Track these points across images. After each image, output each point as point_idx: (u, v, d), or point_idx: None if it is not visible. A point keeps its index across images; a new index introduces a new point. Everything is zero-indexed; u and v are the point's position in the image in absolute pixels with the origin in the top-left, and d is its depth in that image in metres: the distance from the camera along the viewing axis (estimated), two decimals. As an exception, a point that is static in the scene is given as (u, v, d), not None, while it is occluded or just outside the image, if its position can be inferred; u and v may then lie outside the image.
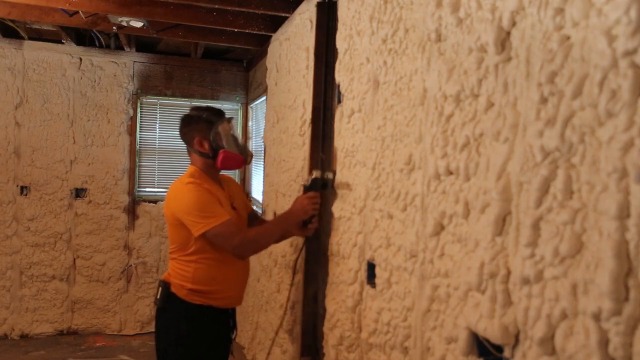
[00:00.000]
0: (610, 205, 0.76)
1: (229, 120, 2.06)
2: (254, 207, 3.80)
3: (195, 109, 2.07)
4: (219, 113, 2.04)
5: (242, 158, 2.04)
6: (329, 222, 2.05)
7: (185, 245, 1.93)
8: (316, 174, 2.06)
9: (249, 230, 2.05)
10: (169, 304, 1.96)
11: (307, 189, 2.07)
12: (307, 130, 2.34)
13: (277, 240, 2.17)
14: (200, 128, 1.99)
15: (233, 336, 2.11)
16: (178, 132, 2.08)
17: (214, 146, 1.99)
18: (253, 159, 4.15)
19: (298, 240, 2.44)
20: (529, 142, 0.95)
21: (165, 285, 1.97)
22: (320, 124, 2.16)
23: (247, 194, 4.27)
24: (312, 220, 2.06)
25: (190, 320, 1.94)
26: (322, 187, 2.04)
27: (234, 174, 4.17)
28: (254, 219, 2.26)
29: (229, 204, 2.02)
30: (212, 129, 1.98)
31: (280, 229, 2.04)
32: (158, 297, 1.99)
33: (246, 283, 2.12)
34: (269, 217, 3.12)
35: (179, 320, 1.94)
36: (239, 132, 2.15)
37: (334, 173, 2.02)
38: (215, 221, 1.84)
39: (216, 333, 2.00)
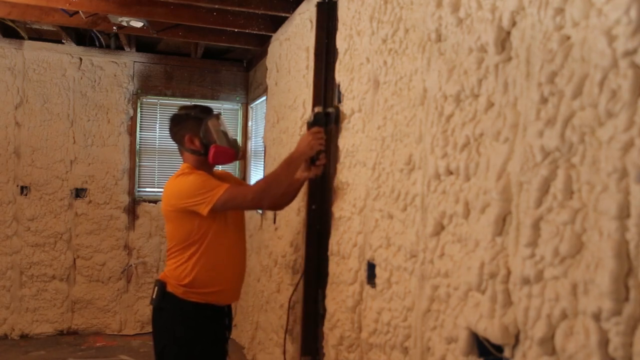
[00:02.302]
0: (610, 205, 0.76)
1: (217, 116, 2.07)
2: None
3: (183, 108, 2.09)
4: (207, 110, 2.06)
5: (234, 152, 2.05)
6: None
7: (186, 238, 1.93)
8: (318, 109, 2.04)
9: (258, 182, 2.01)
10: (165, 303, 1.96)
11: (310, 125, 2.03)
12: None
13: (290, 184, 2.04)
14: (190, 126, 2.01)
15: (228, 335, 2.11)
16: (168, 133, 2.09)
17: (205, 142, 2.00)
18: (253, 159, 4.16)
19: (298, 240, 2.44)
20: (529, 142, 0.95)
21: (161, 284, 1.98)
22: (320, 123, 2.15)
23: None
24: (319, 157, 2.01)
25: (187, 320, 1.94)
26: (325, 123, 2.00)
27: (233, 173, 4.17)
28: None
29: None
30: (201, 126, 2.00)
31: (289, 168, 1.96)
32: (154, 297, 1.99)
33: (243, 277, 2.12)
34: (269, 217, 3.12)
35: (176, 319, 1.95)
36: (228, 127, 2.13)
37: (337, 108, 1.99)
38: (218, 191, 1.85)
39: (213, 332, 2.00)
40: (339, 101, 2.01)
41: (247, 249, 2.21)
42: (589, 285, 0.80)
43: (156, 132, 4.26)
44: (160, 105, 4.28)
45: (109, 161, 4.08)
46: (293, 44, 2.71)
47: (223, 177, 2.15)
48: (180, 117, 2.05)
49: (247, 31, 3.14)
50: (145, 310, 4.18)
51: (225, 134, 2.06)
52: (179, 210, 1.91)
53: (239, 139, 4.29)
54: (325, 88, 2.14)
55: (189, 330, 1.93)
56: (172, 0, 2.71)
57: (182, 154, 2.08)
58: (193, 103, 2.14)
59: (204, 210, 1.85)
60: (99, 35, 3.95)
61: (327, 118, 2.02)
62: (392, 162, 1.54)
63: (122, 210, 4.13)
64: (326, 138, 2.01)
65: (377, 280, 1.61)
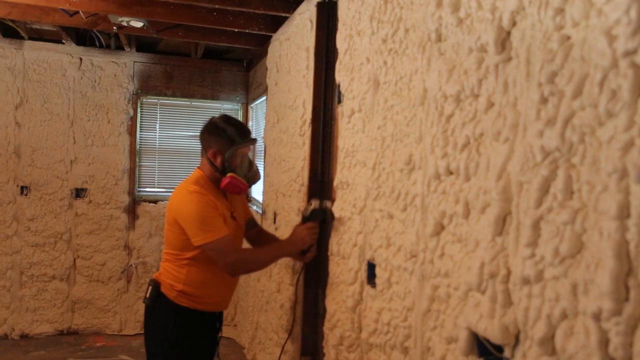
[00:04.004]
0: (611, 205, 0.76)
1: (252, 142, 2.03)
2: (254, 210, 3.79)
3: (224, 120, 1.99)
4: (244, 134, 1.99)
5: (246, 187, 2.01)
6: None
7: (180, 247, 1.93)
8: (315, 204, 2.07)
9: (245, 251, 2.09)
10: (157, 303, 1.98)
11: (306, 219, 2.07)
12: (307, 130, 2.34)
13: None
14: (220, 142, 1.95)
15: (219, 337, 2.12)
16: (198, 136, 2.04)
17: (226, 165, 1.96)
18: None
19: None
20: (529, 142, 0.95)
21: (155, 284, 1.99)
22: (320, 124, 2.16)
23: (248, 196, 4.27)
24: (310, 250, 2.07)
25: (179, 321, 1.95)
26: (322, 221, 2.05)
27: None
28: (252, 226, 2.25)
29: (229, 213, 2.01)
30: (230, 148, 1.94)
31: (277, 256, 2.10)
32: (148, 295, 2.00)
33: (235, 289, 2.14)
34: (269, 217, 3.12)
35: (167, 320, 1.96)
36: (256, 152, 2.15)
37: (333, 202, 2.02)
38: (213, 236, 1.83)
39: (204, 334, 2.01)
40: (339, 101, 2.01)
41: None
42: (589, 285, 0.80)
43: (156, 132, 4.27)
44: (160, 105, 4.28)
45: (109, 161, 4.09)
46: (293, 44, 2.71)
47: (234, 196, 2.11)
48: (215, 129, 1.97)
49: (247, 31, 3.14)
50: (145, 310, 4.18)
51: (250, 163, 2.03)
52: (177, 222, 1.91)
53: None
54: (325, 88, 2.14)
55: (180, 331, 1.94)
56: (172, 0, 2.71)
57: (201, 156, 2.04)
58: (236, 118, 2.06)
59: (195, 243, 1.85)
60: (99, 35, 3.95)
61: (322, 214, 2.06)
62: (392, 162, 1.54)
63: (122, 210, 4.13)
64: (319, 233, 2.06)
65: (377, 280, 1.61)
